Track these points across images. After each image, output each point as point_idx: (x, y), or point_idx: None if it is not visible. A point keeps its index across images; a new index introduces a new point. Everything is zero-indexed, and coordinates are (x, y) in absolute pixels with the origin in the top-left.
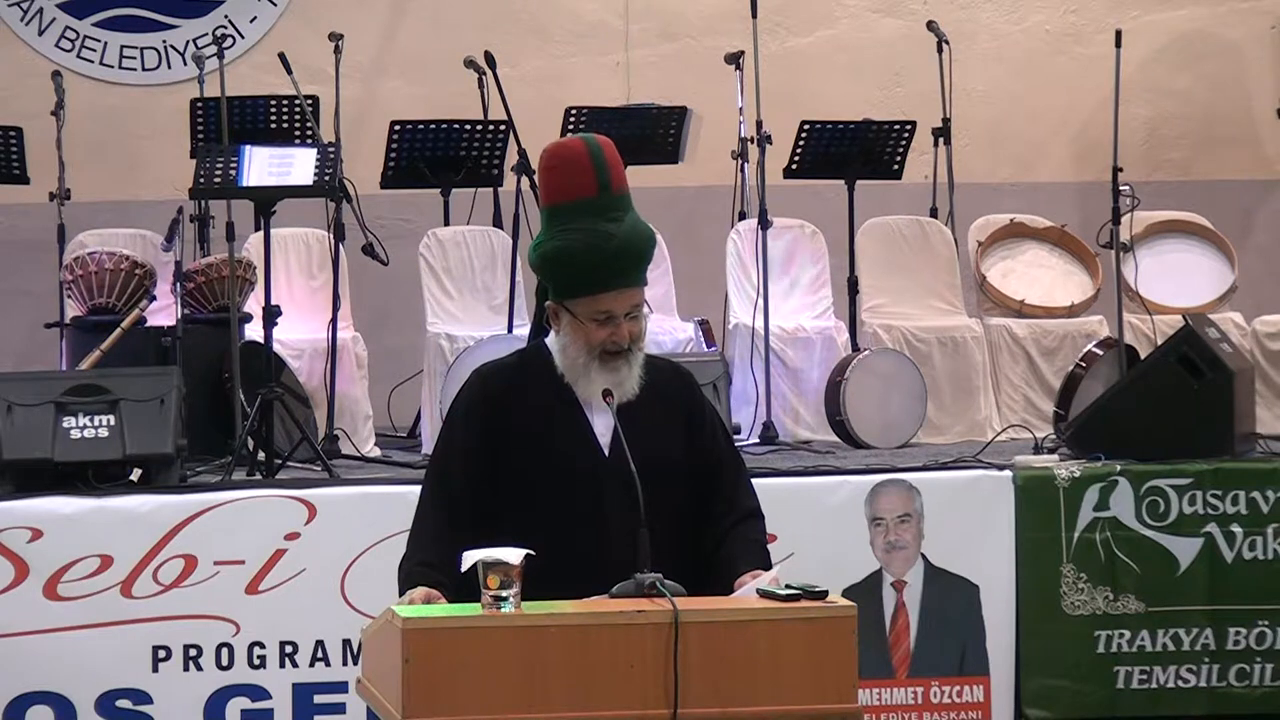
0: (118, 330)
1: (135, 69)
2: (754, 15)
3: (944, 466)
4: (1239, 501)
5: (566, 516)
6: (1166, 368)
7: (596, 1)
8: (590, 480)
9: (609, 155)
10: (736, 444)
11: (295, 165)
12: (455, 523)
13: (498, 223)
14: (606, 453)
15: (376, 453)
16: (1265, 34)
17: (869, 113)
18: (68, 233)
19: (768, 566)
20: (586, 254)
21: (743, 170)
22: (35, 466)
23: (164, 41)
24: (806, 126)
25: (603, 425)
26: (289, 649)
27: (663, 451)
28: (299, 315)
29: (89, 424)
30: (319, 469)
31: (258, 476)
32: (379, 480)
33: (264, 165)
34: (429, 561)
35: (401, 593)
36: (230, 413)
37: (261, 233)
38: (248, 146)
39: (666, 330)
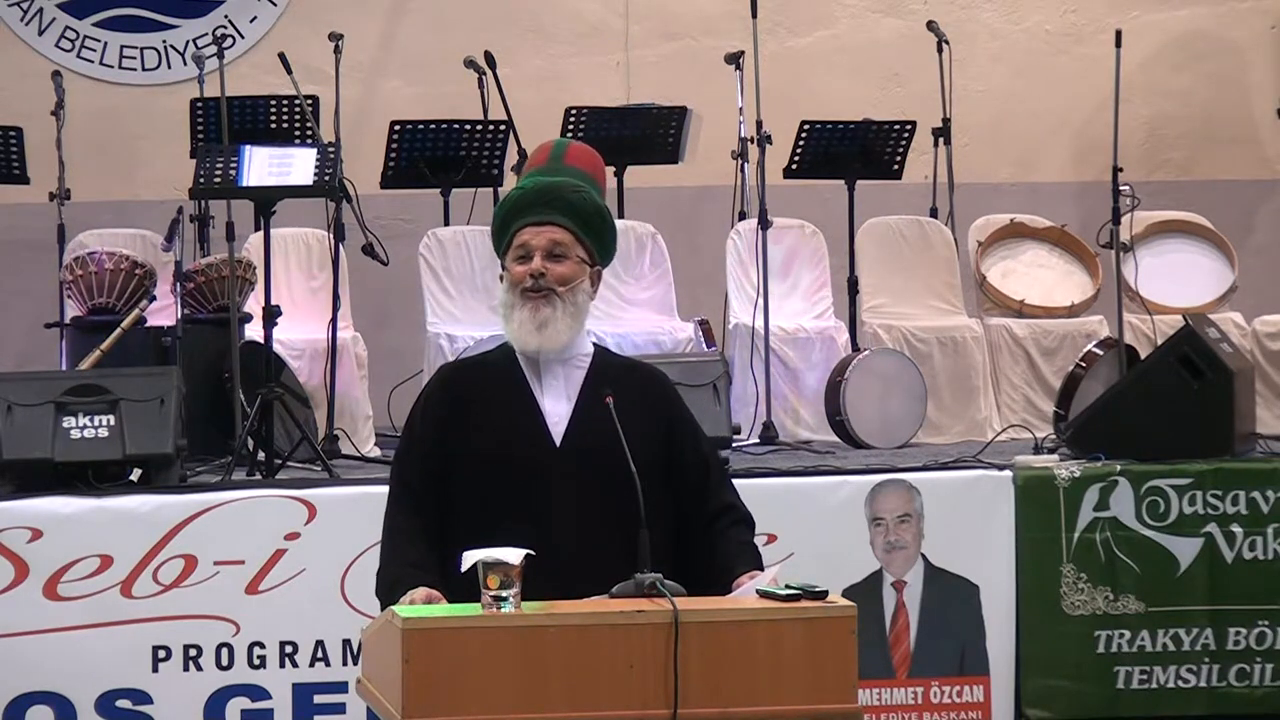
0: (118, 330)
1: (135, 69)
2: (754, 15)
3: (944, 466)
4: (1239, 501)
5: (513, 509)
6: (1166, 368)
7: (596, 1)
8: (537, 471)
9: (574, 146)
10: (736, 444)
11: (295, 165)
12: (424, 523)
13: None
14: (557, 443)
15: (376, 453)
16: (1265, 34)
17: (869, 113)
18: (68, 233)
19: (763, 569)
20: (513, 199)
21: (743, 170)
22: (35, 466)
23: (164, 41)
24: (806, 126)
25: (555, 416)
26: (289, 649)
27: (627, 447)
28: (299, 315)
29: (89, 424)
30: (319, 469)
31: (258, 476)
32: (379, 480)
33: (264, 165)
34: (414, 562)
35: (389, 597)
36: (230, 413)
37: (261, 233)
38: (248, 146)
39: (666, 330)
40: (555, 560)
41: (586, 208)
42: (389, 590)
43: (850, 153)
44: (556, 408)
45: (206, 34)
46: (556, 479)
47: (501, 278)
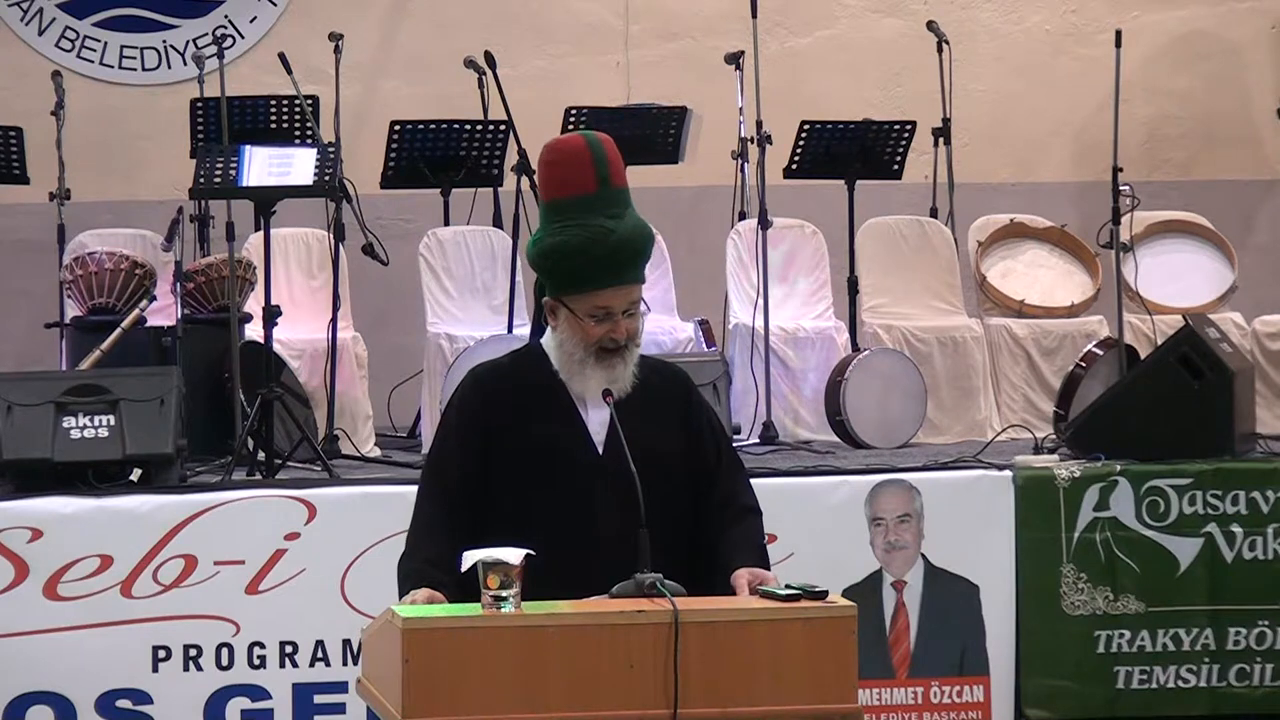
0: (118, 330)
1: (135, 69)
2: (754, 15)
3: (944, 466)
4: (1239, 501)
5: (559, 515)
6: (1166, 368)
7: (596, 1)
8: (584, 478)
9: (609, 152)
10: (736, 444)
11: (295, 165)
12: (454, 521)
13: (498, 223)
14: (601, 450)
15: (376, 453)
16: (1265, 34)
17: (869, 113)
18: (68, 233)
19: (766, 567)
20: (585, 250)
21: (743, 170)
22: (35, 466)
23: (164, 41)
24: (806, 126)
25: (597, 423)
26: (289, 649)
27: (658, 450)
28: (299, 315)
29: (89, 424)
30: (319, 469)
31: (258, 476)
32: (379, 480)
33: (264, 165)
34: (430, 559)
35: (402, 591)
36: (230, 413)
37: (261, 233)
38: (248, 146)
39: (666, 330)
40: (599, 563)
41: (650, 250)
42: (402, 583)
43: (850, 153)
44: (598, 414)
45: (206, 34)
46: (600, 483)
47: (549, 307)
